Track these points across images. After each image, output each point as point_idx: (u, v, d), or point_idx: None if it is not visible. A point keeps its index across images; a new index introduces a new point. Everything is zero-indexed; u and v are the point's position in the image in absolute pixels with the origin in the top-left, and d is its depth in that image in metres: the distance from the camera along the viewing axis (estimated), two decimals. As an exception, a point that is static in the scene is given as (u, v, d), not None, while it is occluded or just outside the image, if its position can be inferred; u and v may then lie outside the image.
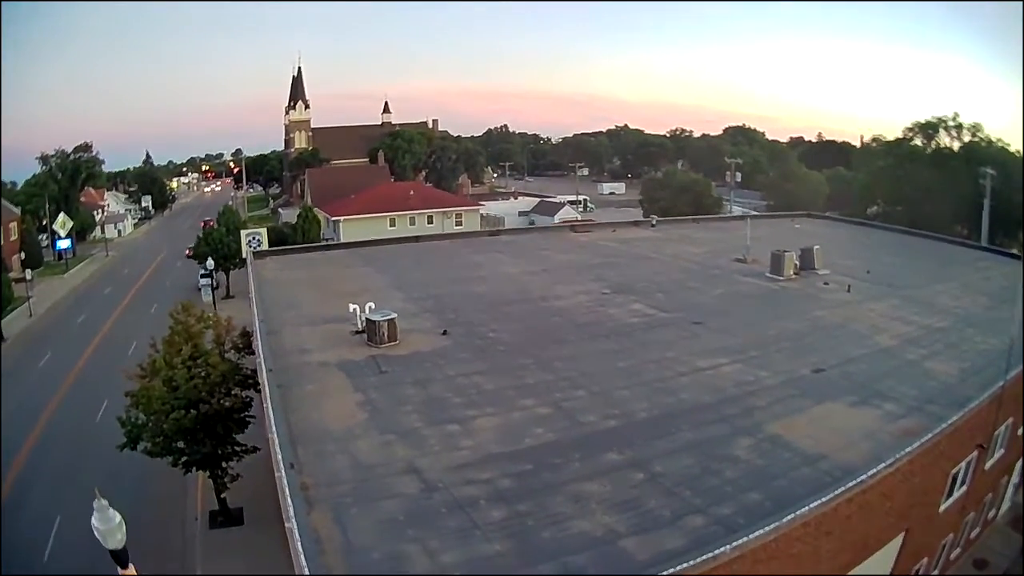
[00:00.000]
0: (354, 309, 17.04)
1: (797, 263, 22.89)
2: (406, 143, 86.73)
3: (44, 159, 61.40)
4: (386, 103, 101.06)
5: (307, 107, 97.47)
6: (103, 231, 70.58)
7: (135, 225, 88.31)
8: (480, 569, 7.98)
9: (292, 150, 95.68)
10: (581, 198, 74.24)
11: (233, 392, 16.56)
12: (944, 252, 28.89)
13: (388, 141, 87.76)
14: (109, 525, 6.81)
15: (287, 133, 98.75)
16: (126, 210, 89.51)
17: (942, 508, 12.56)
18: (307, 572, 7.31)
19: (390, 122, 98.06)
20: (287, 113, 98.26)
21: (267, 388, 13.10)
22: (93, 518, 6.82)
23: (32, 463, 21.85)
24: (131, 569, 7.19)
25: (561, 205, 69.26)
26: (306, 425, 11.98)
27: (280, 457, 10.33)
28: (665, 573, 7.56)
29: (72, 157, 61.04)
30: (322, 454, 10.93)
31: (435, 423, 12.02)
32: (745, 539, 8.22)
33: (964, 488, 13.07)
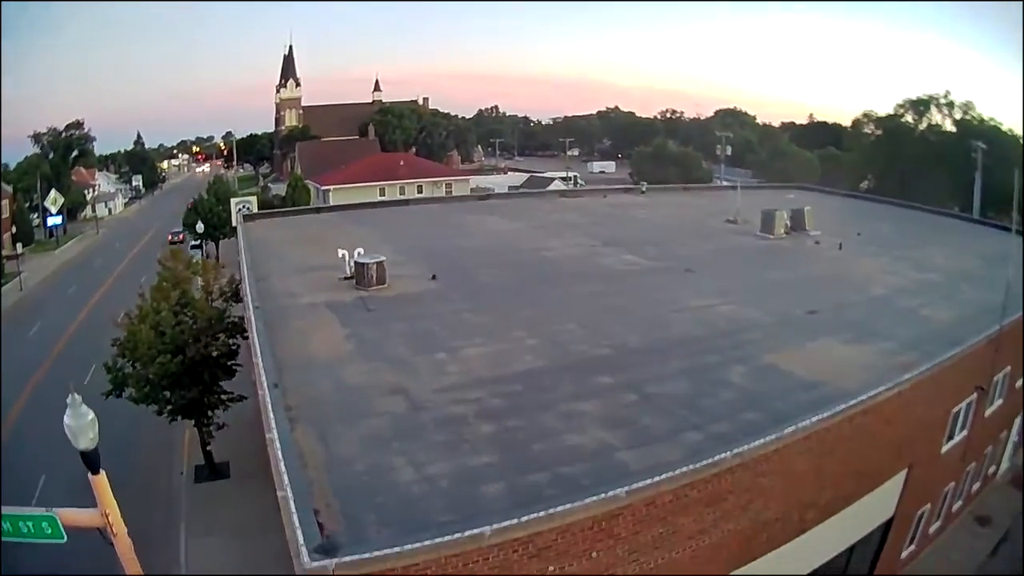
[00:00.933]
0: (343, 255, 16.56)
1: (788, 223, 22.64)
2: (396, 119, 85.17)
3: (36, 137, 60.19)
4: (376, 82, 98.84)
5: (298, 85, 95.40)
6: (94, 210, 69.27)
7: (126, 204, 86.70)
8: (468, 479, 7.68)
9: (283, 128, 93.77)
10: (571, 175, 73.63)
11: (219, 339, 16.07)
12: (936, 222, 28.73)
13: (378, 117, 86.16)
14: (81, 422, 6.38)
15: (278, 111, 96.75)
16: (117, 189, 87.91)
17: (944, 450, 12.38)
18: (287, 485, 6.95)
19: (380, 100, 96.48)
20: (278, 91, 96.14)
21: (253, 322, 12.70)
22: (66, 415, 6.40)
23: (22, 422, 21.26)
24: (102, 475, 6.76)
25: (551, 180, 68.13)
26: (291, 355, 11.54)
27: (264, 379, 9.95)
28: (668, 475, 7.24)
29: (64, 135, 59.75)
30: (307, 380, 10.47)
31: (423, 352, 11.61)
32: (746, 447, 7.92)
33: (965, 433, 12.90)
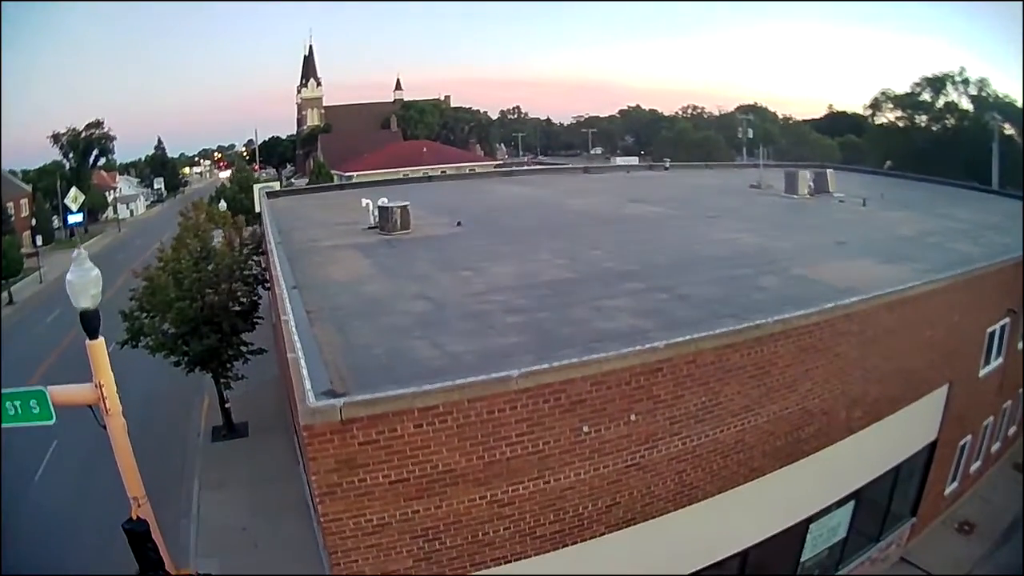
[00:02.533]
0: (366, 203, 16.51)
1: (811, 184, 22.18)
2: (418, 113, 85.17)
3: (55, 137, 60.92)
4: (398, 80, 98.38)
5: (319, 84, 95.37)
6: (115, 211, 70.49)
7: (148, 207, 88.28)
8: (495, 354, 7.27)
9: (304, 128, 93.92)
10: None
11: (239, 288, 15.98)
12: (957, 192, 28.27)
13: (400, 112, 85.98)
14: (84, 280, 6.12)
15: (299, 111, 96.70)
16: (138, 192, 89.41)
17: (981, 373, 11.80)
18: (299, 348, 6.74)
19: (402, 99, 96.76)
20: (299, 92, 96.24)
21: (275, 252, 12.63)
22: (68, 273, 6.19)
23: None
24: (100, 341, 6.45)
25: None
26: (312, 277, 11.41)
27: (283, 281, 9.80)
28: (709, 333, 6.92)
29: (84, 135, 60.54)
30: (328, 293, 10.25)
31: (448, 270, 11.39)
32: (790, 315, 7.56)
33: (1000, 361, 12.29)
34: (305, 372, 6.19)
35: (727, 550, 8.29)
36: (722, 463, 7.47)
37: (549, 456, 6.37)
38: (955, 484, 12.66)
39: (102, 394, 6.44)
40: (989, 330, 11.53)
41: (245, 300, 16.23)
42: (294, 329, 7.41)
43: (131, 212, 79.18)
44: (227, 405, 16.60)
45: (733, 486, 7.71)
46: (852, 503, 9.92)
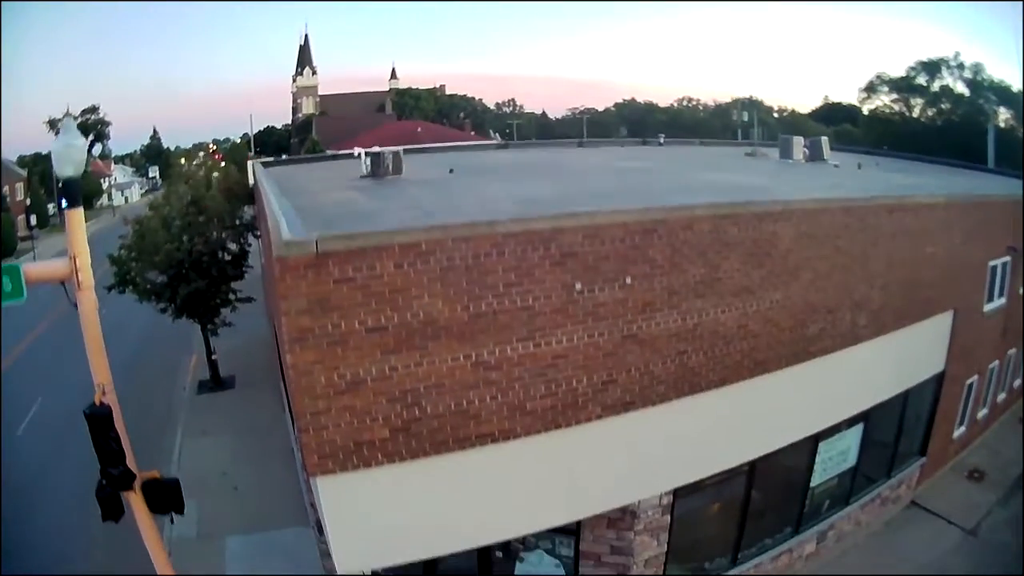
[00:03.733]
0: (359, 152, 16.21)
1: (806, 150, 22.11)
2: (413, 100, 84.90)
3: (51, 123, 60.08)
4: (393, 69, 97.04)
5: (314, 73, 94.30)
6: (110, 199, 70.15)
7: (143, 194, 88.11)
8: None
9: (300, 115, 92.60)
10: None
11: (228, 234, 15.51)
12: (954, 169, 28.56)
13: (395, 99, 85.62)
14: (70, 148, 5.73)
15: (295, 100, 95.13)
16: (133, 181, 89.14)
17: (985, 308, 11.37)
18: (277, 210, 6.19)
19: (397, 87, 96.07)
20: (294, 81, 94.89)
21: (265, 188, 12.20)
22: (54, 142, 5.83)
23: (25, 355, 20.93)
24: (79, 210, 5.97)
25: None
26: (302, 202, 10.89)
27: (270, 191, 9.35)
28: (707, 202, 6.91)
29: (80, 120, 59.67)
30: (317, 204, 9.68)
31: (439, 195, 10.89)
32: (791, 198, 7.16)
33: (1003, 302, 11.86)
34: (279, 212, 5.71)
35: (733, 458, 7.73)
36: (725, 349, 6.96)
37: (539, 315, 5.85)
38: (963, 428, 12.13)
39: (75, 266, 5.94)
40: (991, 264, 11.13)
41: (235, 246, 15.76)
42: (273, 201, 6.94)
43: (126, 199, 78.37)
44: (214, 357, 15.97)
45: (738, 379, 7.20)
46: (861, 426, 9.40)
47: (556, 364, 6.00)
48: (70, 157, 5.86)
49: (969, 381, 11.51)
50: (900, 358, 9.41)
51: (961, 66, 36.93)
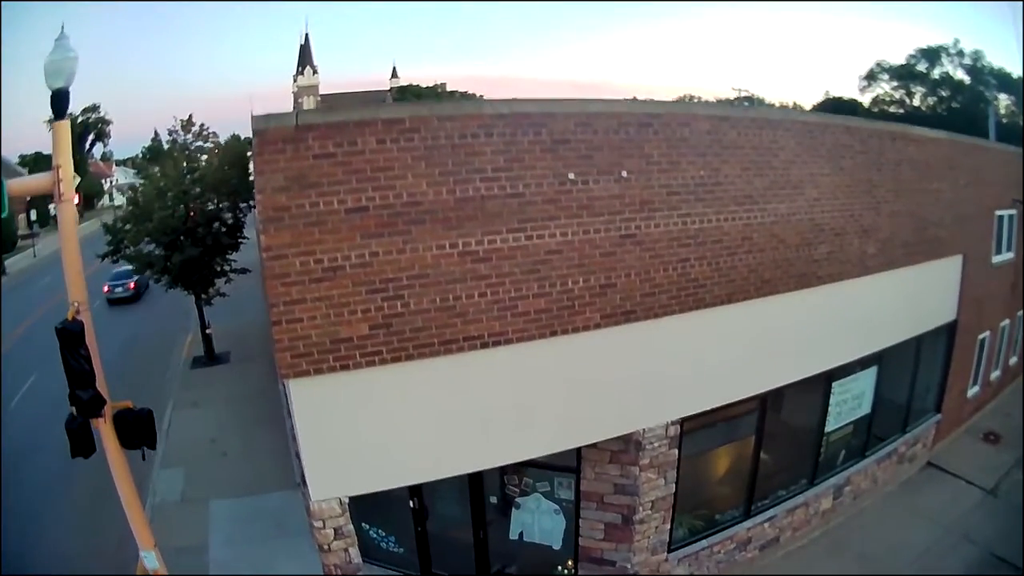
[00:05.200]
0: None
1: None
2: (415, 98, 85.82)
3: (49, 122, 59.38)
4: (394, 68, 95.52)
5: (315, 72, 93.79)
6: (111, 199, 69.71)
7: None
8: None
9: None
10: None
11: (224, 202, 15.02)
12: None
13: (397, 96, 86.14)
14: (61, 59, 5.46)
15: (295, 100, 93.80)
16: (135, 182, 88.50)
17: (994, 260, 10.89)
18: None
19: (398, 86, 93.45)
20: (295, 80, 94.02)
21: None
22: (49, 52, 5.51)
23: (23, 339, 20.51)
24: (65, 122, 5.78)
25: None
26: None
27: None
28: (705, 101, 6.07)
29: (81, 119, 59.01)
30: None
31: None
32: (791, 112, 6.91)
33: (1012, 256, 11.39)
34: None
35: (742, 389, 7.11)
36: (729, 261, 6.46)
37: (530, 203, 5.39)
38: (976, 388, 11.47)
39: (58, 177, 5.69)
40: (997, 213, 10.71)
41: (230, 216, 15.27)
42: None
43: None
44: (208, 331, 15.31)
45: (744, 297, 6.67)
46: (875, 371, 8.79)
47: (549, 260, 5.50)
48: (62, 68, 5.62)
49: (981, 336, 10.94)
50: (912, 299, 8.88)
51: (961, 53, 36.92)
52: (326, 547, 5.58)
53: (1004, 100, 32.70)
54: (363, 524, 8.09)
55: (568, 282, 5.60)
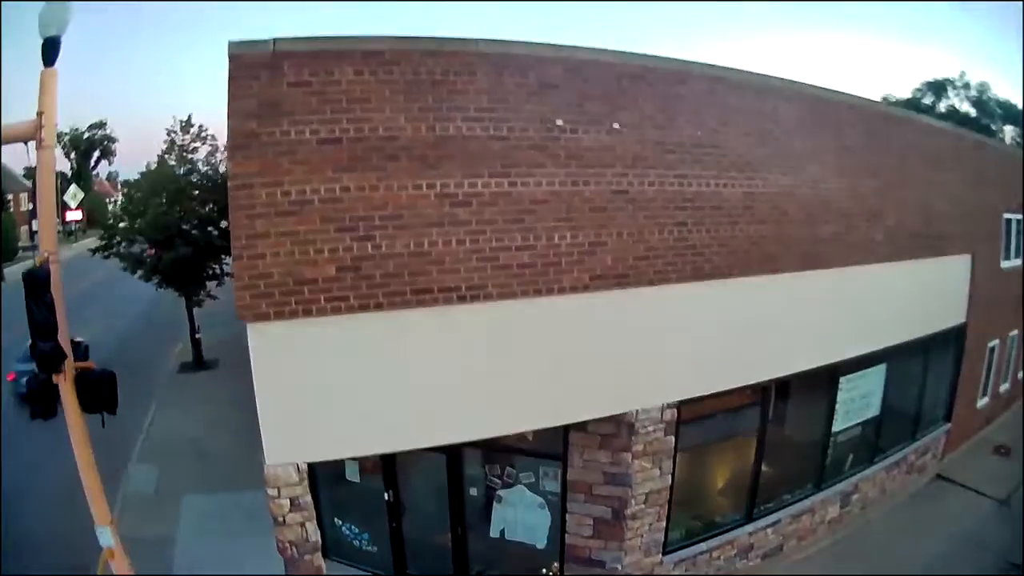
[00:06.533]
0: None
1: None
2: None
3: (58, 136, 59.11)
4: None
5: None
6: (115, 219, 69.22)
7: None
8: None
9: None
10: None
11: (221, 201, 14.67)
12: None
13: None
14: (58, 8, 5.33)
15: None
16: None
17: (1003, 264, 10.32)
18: None
19: None
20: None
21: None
22: (42, 7, 5.42)
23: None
24: (54, 70, 5.39)
25: None
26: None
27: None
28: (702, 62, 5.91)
29: (87, 135, 59.24)
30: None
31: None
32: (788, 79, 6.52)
33: (1020, 263, 10.90)
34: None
35: (744, 375, 6.49)
36: (730, 231, 5.96)
37: (515, 148, 4.94)
38: (986, 400, 10.73)
39: (40, 123, 5.40)
40: (1005, 216, 10.29)
41: (225, 221, 14.86)
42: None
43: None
44: (198, 336, 14.69)
45: (746, 271, 6.14)
46: (883, 369, 8.15)
47: (534, 210, 5.02)
48: (56, 17, 5.43)
49: (991, 344, 10.34)
50: (920, 297, 8.30)
51: (967, 86, 37.20)
52: (280, 519, 4.90)
53: (1009, 131, 32.81)
54: (336, 520, 7.43)
55: (555, 236, 5.11)
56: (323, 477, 7.32)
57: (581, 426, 5.90)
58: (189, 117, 14.45)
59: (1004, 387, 11.33)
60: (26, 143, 5.89)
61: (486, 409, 5.26)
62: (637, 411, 5.84)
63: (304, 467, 4.92)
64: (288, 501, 4.91)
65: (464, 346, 5.07)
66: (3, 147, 6.24)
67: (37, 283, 5.59)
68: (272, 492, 4.88)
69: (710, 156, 5.79)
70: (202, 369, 14.86)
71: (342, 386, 4.83)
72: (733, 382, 6.49)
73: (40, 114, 5.70)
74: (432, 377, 5.02)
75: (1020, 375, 11.89)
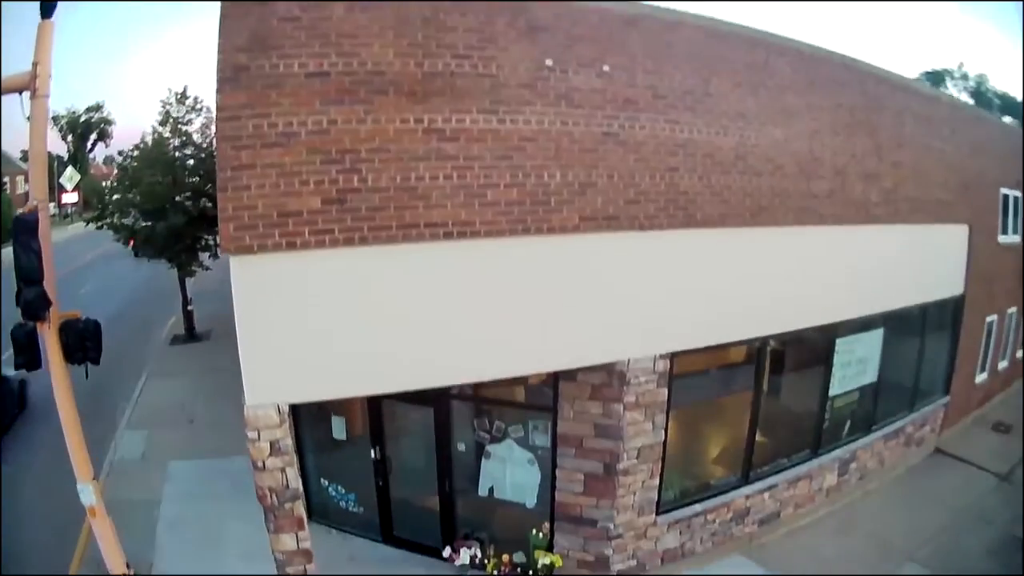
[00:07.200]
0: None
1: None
2: None
3: (55, 119, 58.16)
4: None
5: None
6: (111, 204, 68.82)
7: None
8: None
9: None
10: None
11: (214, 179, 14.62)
12: None
13: None
14: None
15: None
16: None
17: (1000, 239, 10.22)
18: None
19: None
20: None
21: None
22: None
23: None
24: (51, 21, 5.57)
25: None
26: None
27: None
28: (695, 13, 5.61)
29: (83, 118, 58.73)
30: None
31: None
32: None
33: (1019, 239, 10.79)
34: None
35: (738, 329, 6.39)
36: (722, 179, 5.87)
37: (504, 86, 4.87)
38: (985, 376, 10.57)
39: (35, 73, 5.53)
40: (1003, 191, 10.20)
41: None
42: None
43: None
44: (190, 308, 14.58)
45: (739, 222, 6.05)
46: (880, 333, 8.03)
47: (523, 147, 4.94)
48: None
49: (989, 319, 10.19)
50: (918, 264, 8.19)
51: (965, 76, 37.03)
52: (260, 464, 4.79)
53: (1008, 122, 32.87)
54: (322, 480, 7.36)
55: (544, 175, 5.04)
56: (309, 440, 7.31)
57: (571, 376, 5.82)
58: (184, 89, 14.29)
59: (1003, 364, 11.16)
60: (20, 93, 6.02)
61: (474, 352, 5.17)
62: (629, 360, 5.75)
63: (286, 409, 4.83)
64: (268, 445, 4.79)
65: (451, 286, 4.99)
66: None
67: (26, 228, 5.58)
68: (252, 435, 4.76)
69: (702, 104, 5.72)
70: (193, 341, 14.72)
71: (325, 324, 4.74)
72: (726, 336, 6.39)
73: (35, 64, 5.82)
74: (418, 317, 4.94)
75: (1019, 354, 11.74)
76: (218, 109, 4.45)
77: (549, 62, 5.02)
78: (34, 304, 5.55)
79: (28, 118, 5.81)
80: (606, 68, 5.22)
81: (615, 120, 5.28)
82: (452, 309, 5.04)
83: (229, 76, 4.40)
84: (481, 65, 4.82)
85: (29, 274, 5.55)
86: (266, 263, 4.54)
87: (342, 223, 4.58)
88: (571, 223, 5.20)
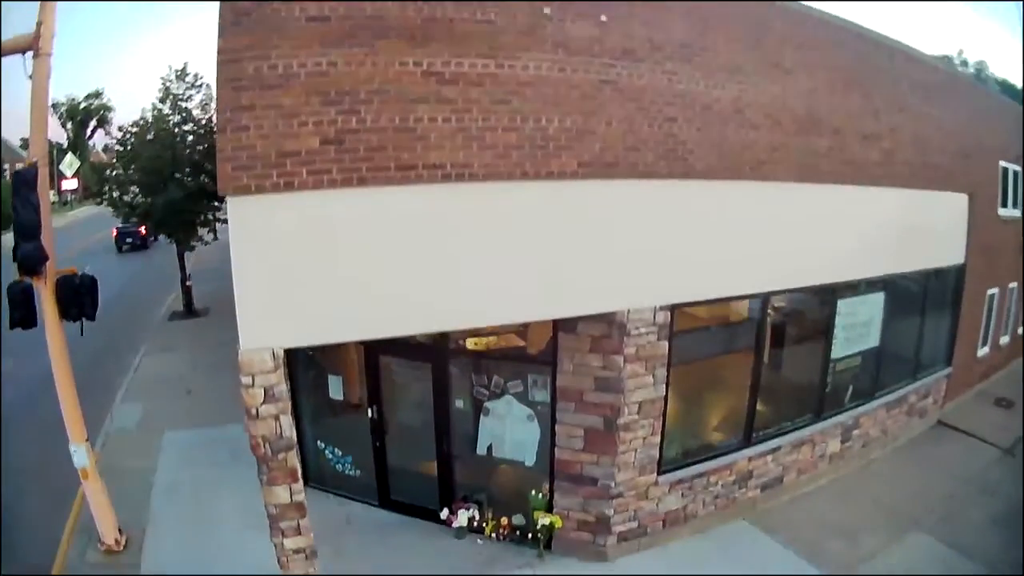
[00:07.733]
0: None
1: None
2: None
3: (55, 107, 57.36)
4: None
5: None
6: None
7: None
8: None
9: None
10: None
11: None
12: None
13: None
14: None
15: None
16: None
17: (1001, 212, 10.16)
18: None
19: None
20: None
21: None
22: None
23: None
24: None
25: None
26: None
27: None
28: None
29: (83, 104, 58.45)
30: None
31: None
32: None
33: (1018, 213, 10.72)
34: None
35: (738, 284, 6.36)
36: (720, 131, 5.85)
37: (502, 32, 4.88)
38: (986, 349, 10.50)
39: (39, 33, 5.73)
40: (1002, 164, 10.16)
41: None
42: None
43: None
44: (188, 283, 14.63)
45: (738, 175, 6.03)
46: (882, 297, 7.99)
47: (521, 92, 4.94)
48: None
49: (991, 291, 10.15)
50: (918, 230, 8.14)
51: (964, 63, 36.86)
52: (254, 411, 4.74)
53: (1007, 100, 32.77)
54: (319, 443, 7.33)
55: (542, 119, 5.03)
56: (306, 403, 7.28)
57: (571, 327, 5.80)
58: (185, 65, 14.34)
59: (1004, 339, 11.08)
60: (23, 53, 6.05)
61: (472, 297, 5.15)
62: (628, 311, 5.74)
63: (280, 353, 4.80)
64: (262, 391, 4.74)
65: (450, 229, 4.98)
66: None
67: (26, 182, 5.62)
68: (246, 380, 4.71)
69: (699, 57, 5.71)
70: (192, 316, 14.81)
71: (323, 264, 4.73)
72: (726, 291, 6.36)
73: (39, 24, 5.91)
74: (416, 260, 4.93)
75: (1020, 330, 11.67)
76: (219, 52, 4.45)
77: (547, 10, 5.04)
78: (32, 258, 5.57)
79: (30, 76, 5.89)
80: (604, 18, 5.23)
81: (612, 68, 5.28)
82: (450, 253, 5.03)
83: (232, 20, 4.43)
84: (479, 12, 4.83)
85: (27, 228, 5.58)
86: (263, 204, 4.54)
87: (340, 163, 4.59)
88: (569, 168, 5.20)
